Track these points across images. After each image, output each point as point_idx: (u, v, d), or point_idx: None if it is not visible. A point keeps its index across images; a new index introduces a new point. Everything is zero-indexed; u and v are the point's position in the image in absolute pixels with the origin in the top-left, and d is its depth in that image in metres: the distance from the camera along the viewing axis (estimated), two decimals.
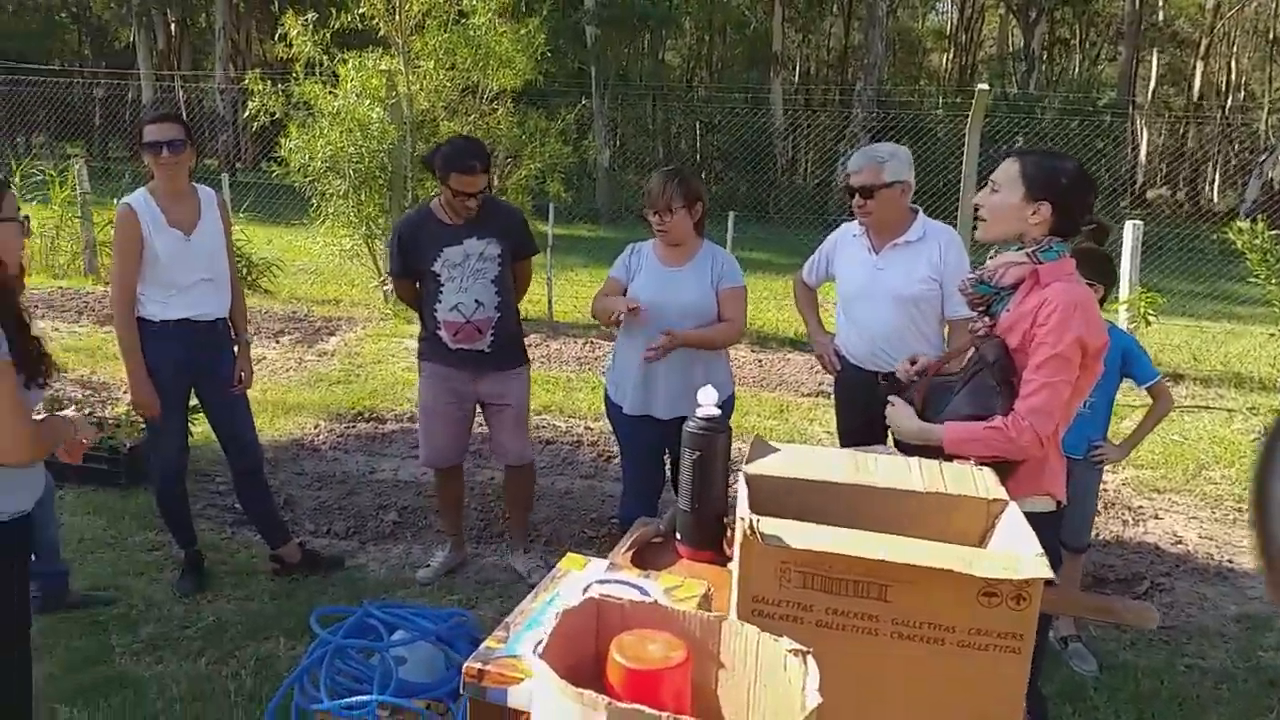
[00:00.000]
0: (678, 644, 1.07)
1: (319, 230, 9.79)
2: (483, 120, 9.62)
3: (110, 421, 4.95)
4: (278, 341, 8.10)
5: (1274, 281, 7.01)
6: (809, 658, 1.01)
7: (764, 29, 26.58)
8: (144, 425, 3.92)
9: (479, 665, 1.37)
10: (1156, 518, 4.98)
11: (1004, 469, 2.01)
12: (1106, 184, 17.13)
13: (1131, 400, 5.05)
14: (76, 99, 23.47)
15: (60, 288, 9.92)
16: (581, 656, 1.14)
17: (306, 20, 9.23)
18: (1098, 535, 4.60)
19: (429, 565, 4.07)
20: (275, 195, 11.82)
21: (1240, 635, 3.79)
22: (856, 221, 3.50)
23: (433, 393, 3.88)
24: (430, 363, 3.88)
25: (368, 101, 9.13)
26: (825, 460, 1.68)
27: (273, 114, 9.59)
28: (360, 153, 9.12)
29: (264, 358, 7.30)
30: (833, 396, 3.86)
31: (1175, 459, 5.81)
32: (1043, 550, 1.35)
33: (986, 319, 2.43)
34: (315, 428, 5.87)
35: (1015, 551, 1.37)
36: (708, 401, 1.94)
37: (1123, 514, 5.01)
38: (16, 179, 10.48)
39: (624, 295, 3.58)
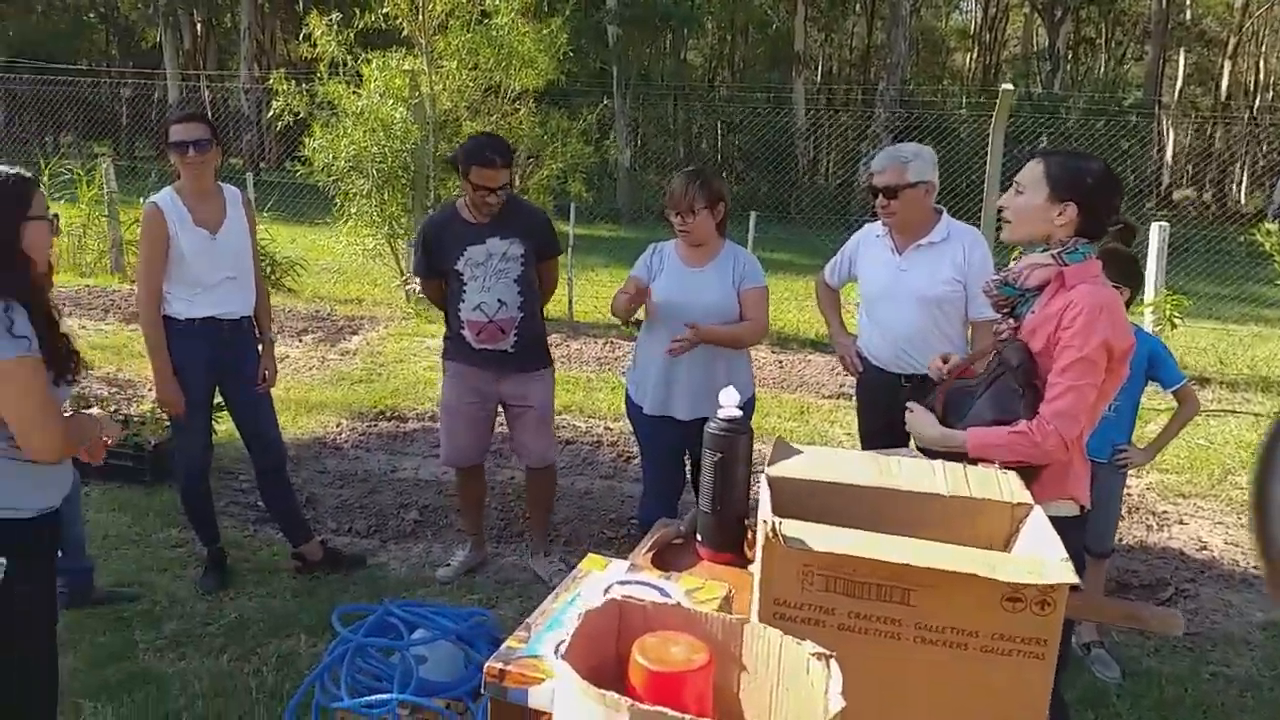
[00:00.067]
0: (700, 646, 1.07)
1: (342, 229, 9.84)
2: (505, 120, 9.65)
3: (135, 419, 5.00)
4: (301, 340, 8.15)
5: None
6: (832, 661, 1.01)
7: (786, 28, 26.51)
8: (169, 423, 3.95)
9: (500, 665, 1.37)
10: (1181, 523, 4.93)
11: (1028, 473, 1.99)
12: (1132, 185, 16.94)
13: (1156, 404, 5.00)
14: (104, 99, 23.73)
15: (87, 286, 10.03)
16: (603, 658, 1.14)
17: (331, 20, 9.30)
18: (1121, 540, 4.55)
19: (449, 564, 4.08)
20: (299, 194, 11.91)
21: (1266, 643, 3.74)
22: (880, 222, 3.48)
23: (455, 392, 3.90)
24: (454, 362, 3.89)
25: (391, 101, 9.18)
26: (848, 463, 1.67)
27: (297, 113, 9.66)
28: (383, 152, 9.17)
29: (287, 356, 7.35)
30: (854, 398, 3.85)
31: (1201, 464, 5.75)
32: (1067, 555, 1.34)
33: (1011, 321, 2.41)
34: (337, 426, 5.90)
35: (1040, 556, 1.36)
36: (729, 403, 1.93)
37: (1147, 519, 4.96)
38: (45, 178, 10.58)
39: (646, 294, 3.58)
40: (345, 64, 9.43)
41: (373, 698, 2.52)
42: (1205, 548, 4.63)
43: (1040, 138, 18.66)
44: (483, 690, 1.40)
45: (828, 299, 3.90)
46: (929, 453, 2.26)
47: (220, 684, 3.17)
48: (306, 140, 9.41)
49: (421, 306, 9.23)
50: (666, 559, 1.97)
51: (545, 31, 9.69)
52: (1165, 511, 5.06)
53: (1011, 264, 2.44)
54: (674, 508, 3.65)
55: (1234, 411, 7.00)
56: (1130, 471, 3.75)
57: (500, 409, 3.98)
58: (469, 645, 2.72)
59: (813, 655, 1.03)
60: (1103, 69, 33.98)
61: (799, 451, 1.71)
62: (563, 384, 6.78)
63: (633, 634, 1.12)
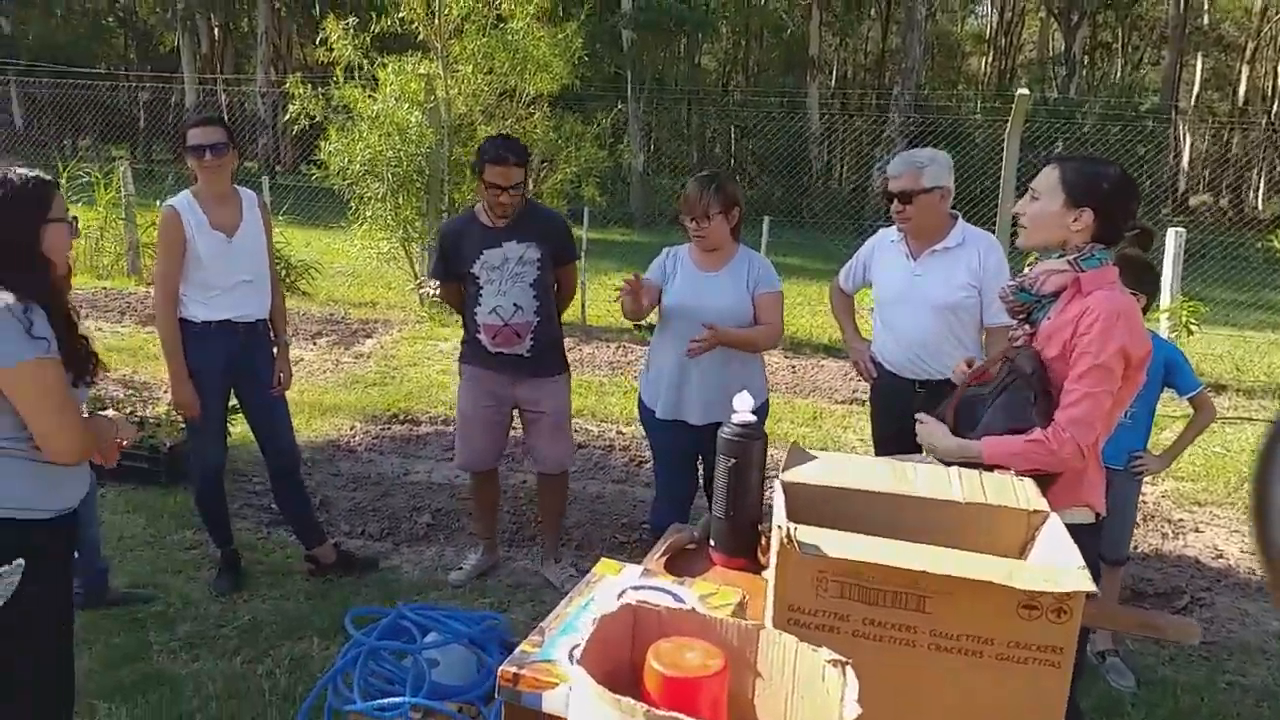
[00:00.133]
0: (715, 652, 1.07)
1: (356, 233, 9.88)
2: (519, 125, 9.67)
3: (151, 421, 5.02)
4: (315, 343, 8.19)
5: None
6: (848, 669, 1.00)
7: (801, 33, 26.50)
8: (184, 425, 3.97)
9: (514, 669, 1.37)
10: (1197, 531, 4.90)
11: (1043, 480, 1.98)
12: (1148, 190, 16.89)
13: (1172, 411, 4.97)
14: (122, 102, 23.91)
15: (104, 288, 10.09)
16: (618, 663, 1.14)
17: (347, 24, 9.34)
18: (1136, 548, 4.53)
19: (461, 567, 4.09)
20: (314, 198, 11.96)
21: None
22: (895, 227, 3.47)
23: (471, 396, 3.90)
24: (470, 365, 3.90)
25: (406, 105, 9.21)
26: (863, 468, 1.67)
27: (312, 117, 9.70)
28: (398, 156, 9.21)
29: (301, 359, 7.37)
30: (868, 404, 3.84)
31: (1217, 471, 5.71)
32: (1084, 563, 1.33)
33: (1027, 327, 2.40)
34: (351, 429, 5.92)
35: (1056, 564, 1.35)
36: (743, 408, 1.93)
37: (1162, 526, 4.93)
38: (63, 181, 10.67)
39: (658, 298, 3.58)
40: (361, 68, 9.47)
41: (385, 701, 2.52)
42: (1221, 556, 4.60)
43: (1056, 143, 18.59)
44: (496, 694, 1.40)
45: (842, 304, 3.89)
46: (943, 461, 2.25)
47: (233, 686, 3.18)
48: (322, 144, 9.45)
49: (435, 310, 9.26)
50: (679, 564, 1.97)
51: (560, 36, 9.71)
52: (1181, 519, 5.03)
53: (1026, 269, 2.43)
54: (686, 513, 3.65)
55: (1250, 419, 6.95)
56: (1146, 479, 3.73)
57: (516, 413, 3.98)
58: (481, 649, 2.72)
59: (828, 662, 1.03)
60: (1119, 74, 33.85)
61: (814, 457, 1.71)
62: (575, 388, 6.76)
63: (647, 639, 1.12)
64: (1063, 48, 29.65)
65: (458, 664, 2.67)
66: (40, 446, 2.09)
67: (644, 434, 3.94)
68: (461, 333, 4.01)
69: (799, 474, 1.62)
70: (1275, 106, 31.29)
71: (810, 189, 21.47)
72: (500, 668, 1.39)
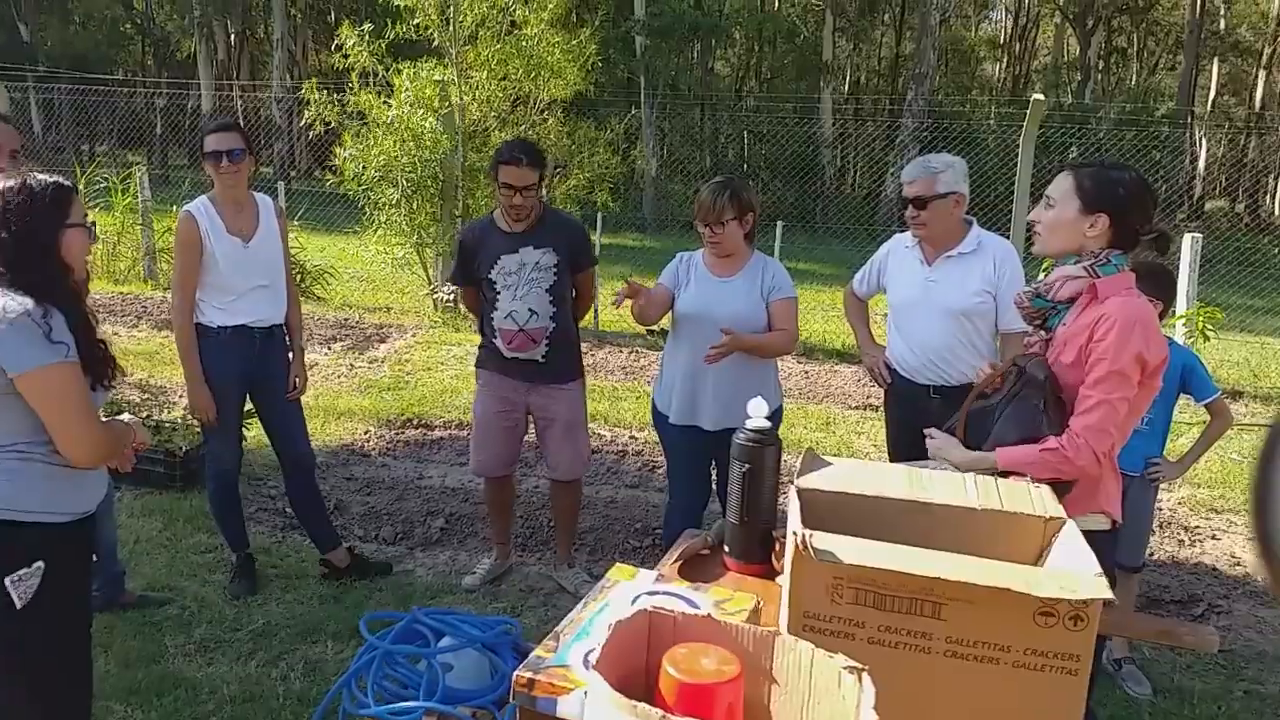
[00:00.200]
0: (731, 658, 1.07)
1: (371, 238, 9.92)
2: (533, 130, 9.70)
3: (167, 425, 5.05)
4: (330, 348, 8.22)
5: None
6: (865, 676, 1.00)
7: (814, 39, 26.51)
8: (200, 429, 3.99)
9: (529, 674, 1.37)
10: (1214, 538, 4.86)
11: (1059, 488, 1.97)
12: (1164, 196, 16.82)
13: (1189, 417, 4.94)
14: (139, 108, 24.07)
15: (120, 293, 10.16)
16: (633, 668, 1.14)
17: (362, 31, 9.38)
18: (1152, 555, 4.50)
19: (474, 572, 4.09)
20: (329, 203, 12.02)
21: None
22: (910, 233, 3.46)
23: (486, 401, 3.91)
24: (485, 370, 3.91)
25: (421, 111, 9.25)
26: (878, 475, 1.66)
27: (328, 123, 9.75)
28: (413, 162, 9.24)
29: (316, 364, 7.40)
30: (882, 409, 3.83)
31: (1234, 478, 5.67)
32: (1101, 570, 1.32)
33: (1042, 333, 2.39)
34: (365, 434, 5.94)
35: (1073, 571, 1.34)
36: (758, 413, 1.93)
37: (1178, 534, 4.90)
38: (81, 186, 10.76)
39: (671, 302, 3.59)
40: (376, 74, 9.52)
41: (399, 705, 2.53)
42: (1239, 563, 4.56)
43: (1070, 148, 18.52)
44: (511, 699, 1.40)
45: (856, 310, 3.89)
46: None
47: (248, 689, 3.19)
48: (337, 149, 9.50)
49: (449, 315, 9.29)
50: (693, 570, 1.97)
51: (574, 42, 9.74)
52: (1197, 526, 5.00)
53: (1041, 275, 2.43)
54: (699, 518, 3.65)
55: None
56: (1162, 485, 3.71)
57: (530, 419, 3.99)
58: (495, 653, 2.72)
59: (845, 669, 1.03)
60: (1135, 79, 33.71)
61: (828, 463, 1.71)
62: (588, 393, 6.79)
63: (662, 645, 1.12)
64: (1078, 53, 29.54)
65: (472, 668, 2.68)
66: (59, 450, 2.11)
67: (657, 439, 3.94)
68: (475, 338, 4.01)
69: (814, 480, 1.62)
70: None
71: (823, 194, 21.45)
72: (515, 673, 1.39)
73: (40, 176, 2.18)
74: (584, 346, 8.00)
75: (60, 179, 2.21)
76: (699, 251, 3.62)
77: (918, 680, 1.31)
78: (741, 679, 1.06)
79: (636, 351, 8.48)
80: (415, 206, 9.52)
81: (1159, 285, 3.10)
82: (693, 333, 3.50)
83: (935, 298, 3.36)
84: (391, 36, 9.37)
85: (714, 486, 3.74)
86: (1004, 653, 1.29)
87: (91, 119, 20.15)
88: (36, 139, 21.26)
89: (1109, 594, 1.26)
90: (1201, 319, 7.27)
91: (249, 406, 3.89)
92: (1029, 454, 2.20)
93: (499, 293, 3.73)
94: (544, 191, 3.81)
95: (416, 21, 9.33)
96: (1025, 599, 1.24)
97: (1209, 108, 30.69)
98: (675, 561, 1.98)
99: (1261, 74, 29.02)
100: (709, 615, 1.28)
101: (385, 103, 9.36)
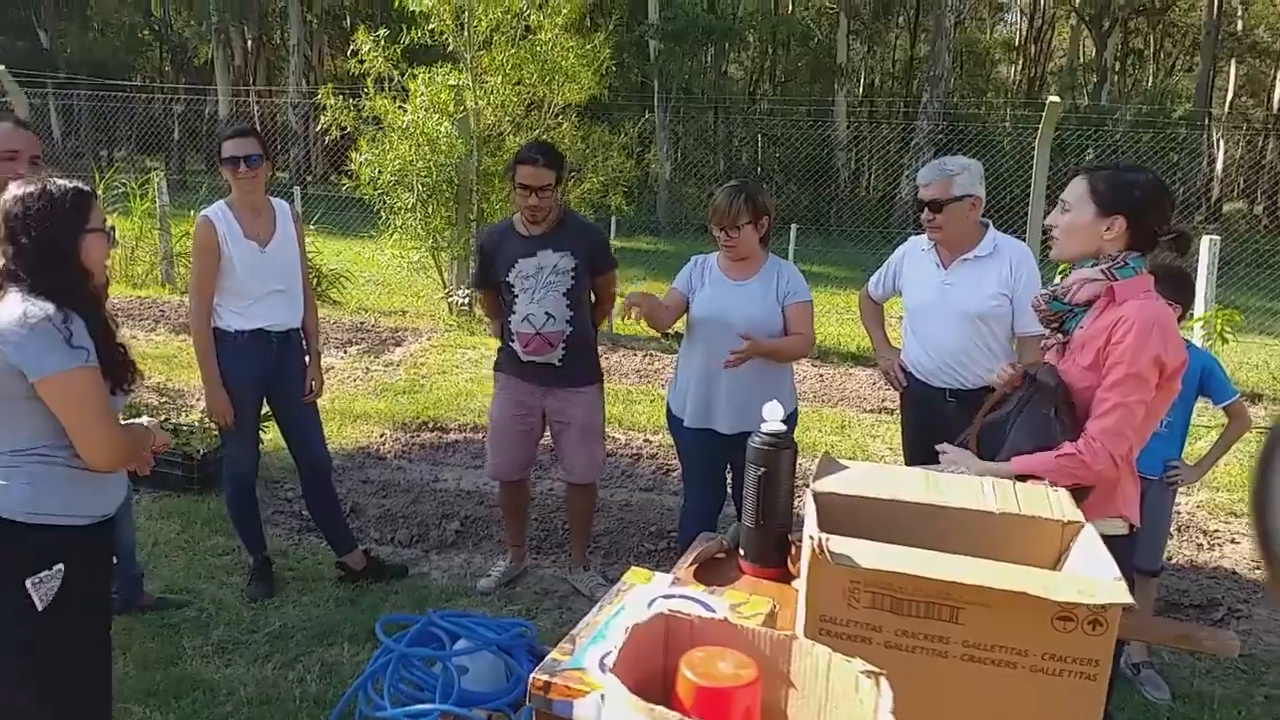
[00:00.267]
0: (748, 662, 1.06)
1: (386, 242, 9.96)
2: (548, 134, 9.72)
3: (185, 428, 5.08)
4: (345, 351, 8.25)
5: None
6: (883, 680, 1.00)
7: (828, 42, 26.48)
8: (217, 432, 4.01)
9: (545, 677, 1.38)
10: (1233, 542, 4.82)
11: (1077, 492, 1.96)
12: (1181, 198, 16.71)
13: (1206, 420, 4.90)
14: (157, 114, 24.26)
15: (138, 297, 10.23)
16: (650, 672, 1.14)
17: (378, 36, 9.43)
18: (1171, 559, 4.47)
19: (490, 574, 4.10)
20: (344, 208, 12.07)
21: None
22: (926, 235, 3.46)
23: (503, 405, 3.92)
24: (503, 373, 3.92)
25: (436, 116, 9.29)
26: (895, 478, 1.66)
27: (344, 128, 9.80)
28: (428, 166, 9.28)
29: (332, 367, 7.43)
30: (897, 413, 3.82)
31: None
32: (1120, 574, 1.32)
33: (1059, 336, 2.38)
34: (381, 437, 5.96)
35: (1092, 575, 1.34)
36: (773, 417, 1.93)
37: (1197, 537, 4.86)
38: (100, 191, 10.84)
39: (685, 306, 3.59)
40: (391, 79, 9.57)
41: (415, 707, 2.54)
42: (1259, 567, 4.52)
43: (1087, 151, 18.43)
44: (527, 702, 1.41)
45: (871, 312, 3.88)
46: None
47: (265, 691, 3.21)
48: (353, 154, 9.55)
49: (464, 319, 9.31)
50: (708, 573, 1.97)
51: (588, 47, 9.76)
52: (1216, 530, 4.96)
53: (1058, 278, 2.42)
54: (714, 521, 3.64)
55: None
56: (1180, 489, 3.68)
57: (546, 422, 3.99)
58: (510, 656, 2.73)
59: (862, 673, 1.03)
60: (1151, 81, 33.52)
61: (845, 467, 1.70)
62: None
63: (679, 648, 1.13)
64: (1094, 55, 29.41)
65: (487, 671, 2.69)
66: (79, 454, 2.13)
67: (671, 442, 3.94)
68: (491, 341, 4.03)
69: (830, 484, 1.62)
70: None
71: (838, 197, 21.42)
72: (531, 675, 1.39)
73: (60, 182, 2.19)
74: (599, 350, 8.03)
75: (80, 184, 2.22)
76: (714, 255, 3.62)
77: (935, 684, 1.31)
78: (759, 683, 1.06)
79: (651, 355, 8.48)
80: (430, 211, 9.56)
81: (1177, 288, 3.08)
82: (708, 336, 3.50)
83: (951, 301, 3.35)
84: (407, 42, 9.42)
85: (729, 490, 3.74)
86: (1022, 657, 1.28)
87: (110, 125, 20.30)
88: (56, 145, 21.44)
89: (1129, 599, 1.25)
90: (1220, 321, 7.22)
91: (266, 410, 3.91)
92: (1046, 461, 2.19)
93: (516, 296, 3.74)
94: (560, 195, 3.81)
95: (432, 27, 9.37)
96: (1043, 603, 1.24)
97: (1226, 109, 30.49)
98: (691, 565, 1.98)
99: (1279, 75, 28.81)
100: (725, 619, 1.28)
101: (400, 108, 9.40)
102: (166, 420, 5.21)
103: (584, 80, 9.67)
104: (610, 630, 1.49)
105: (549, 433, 4.01)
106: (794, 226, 9.90)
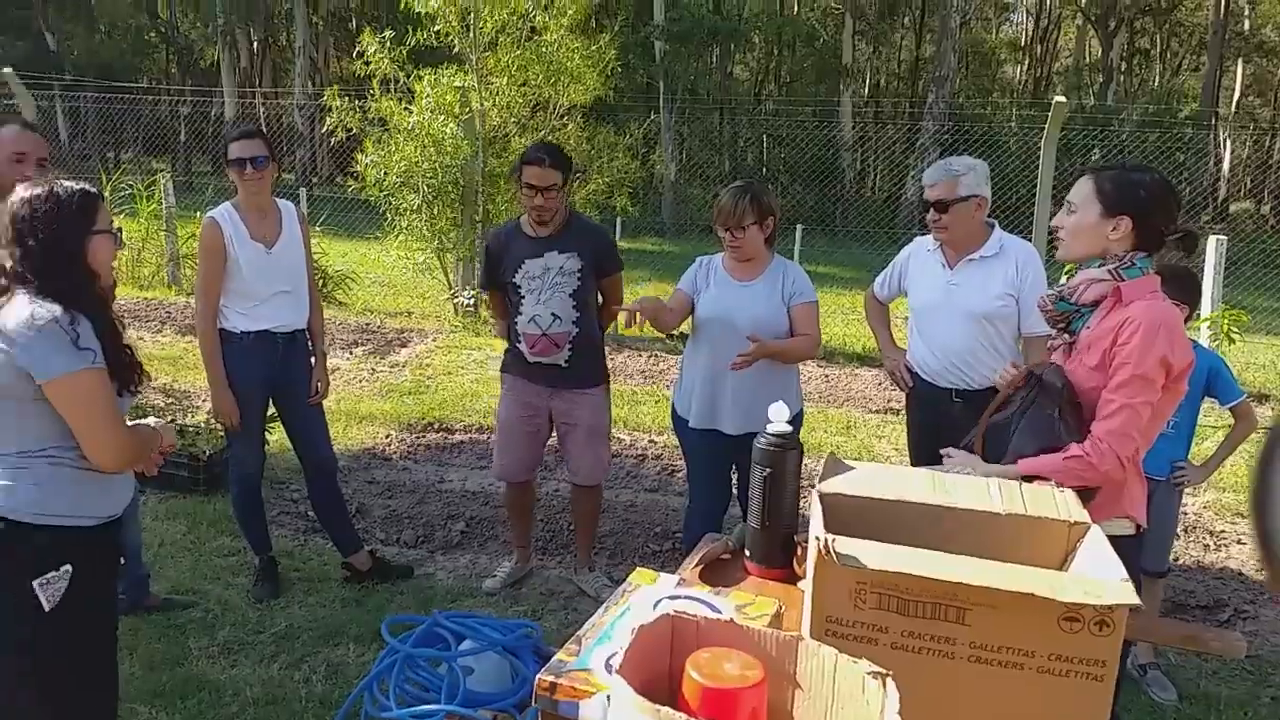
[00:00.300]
0: (754, 663, 1.06)
1: (392, 244, 9.98)
2: (553, 135, 9.73)
3: (191, 429, 5.09)
4: (351, 352, 8.27)
5: None
6: (889, 681, 1.00)
7: (834, 42, 26.46)
8: (223, 433, 4.02)
9: (551, 678, 1.38)
10: (1239, 543, 4.81)
11: (1084, 493, 1.96)
12: (1188, 198, 16.69)
13: (1213, 421, 4.89)
14: (163, 116, 24.32)
15: (145, 298, 10.25)
16: (655, 673, 1.14)
17: (383, 38, 9.44)
18: (1177, 560, 4.45)
19: (495, 575, 4.10)
20: (350, 209, 12.09)
21: None
22: (931, 236, 3.45)
23: (510, 406, 3.92)
24: (510, 375, 3.92)
25: (442, 117, 9.30)
26: (901, 479, 1.66)
27: (349, 130, 9.82)
28: (434, 168, 9.30)
29: (338, 368, 7.45)
30: (903, 413, 3.81)
31: None
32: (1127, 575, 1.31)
33: (1066, 336, 2.38)
34: (386, 437, 5.96)
35: (1099, 576, 1.33)
36: (779, 418, 1.93)
37: (1203, 538, 4.85)
38: (107, 192, 10.87)
39: (690, 308, 3.59)
40: (397, 81, 9.58)
41: (421, 708, 2.54)
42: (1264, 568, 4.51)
43: (1093, 150, 18.40)
44: (534, 703, 1.41)
45: (877, 313, 3.88)
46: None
47: (271, 691, 3.21)
48: (359, 156, 9.57)
49: (469, 320, 9.32)
50: (714, 574, 1.97)
51: (593, 48, 9.76)
52: (1223, 531, 4.95)
53: (1064, 279, 2.41)
54: (719, 522, 3.64)
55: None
56: (1186, 490, 3.67)
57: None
58: (515, 656, 2.73)
59: (869, 675, 1.02)
60: (1158, 80, 33.45)
61: (850, 468, 1.70)
62: None
63: (685, 649, 1.13)
64: (1100, 55, 29.35)
65: (492, 672, 2.68)
66: (86, 455, 2.13)
67: (676, 443, 3.93)
68: (496, 342, 4.03)
69: (836, 484, 1.62)
70: None
71: (843, 198, 21.40)
72: (537, 676, 1.39)
73: (67, 184, 2.20)
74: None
75: (86, 186, 2.23)
76: (719, 255, 3.62)
77: (942, 685, 1.31)
78: (765, 684, 1.06)
79: (655, 355, 8.48)
80: (436, 212, 9.57)
81: (1184, 288, 3.08)
82: (713, 337, 3.50)
83: (957, 301, 3.34)
84: (412, 43, 9.44)
85: (734, 490, 3.74)
86: (1028, 658, 1.28)
87: (117, 127, 20.36)
88: (63, 147, 21.50)
89: (1136, 600, 1.25)
90: (1226, 321, 7.21)
91: (272, 411, 3.92)
92: (1053, 463, 2.18)
93: (523, 297, 3.74)
94: (566, 196, 3.82)
95: (437, 28, 9.39)
96: (1050, 604, 1.23)
97: (1233, 109, 30.41)
98: (696, 566, 1.98)
99: None
100: (732, 620, 1.28)
101: (406, 109, 9.42)
102: (172, 421, 5.22)
103: (589, 81, 9.68)
104: (616, 631, 1.49)
105: (555, 434, 4.02)
106: (799, 227, 9.90)
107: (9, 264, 2.11)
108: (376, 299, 10.77)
